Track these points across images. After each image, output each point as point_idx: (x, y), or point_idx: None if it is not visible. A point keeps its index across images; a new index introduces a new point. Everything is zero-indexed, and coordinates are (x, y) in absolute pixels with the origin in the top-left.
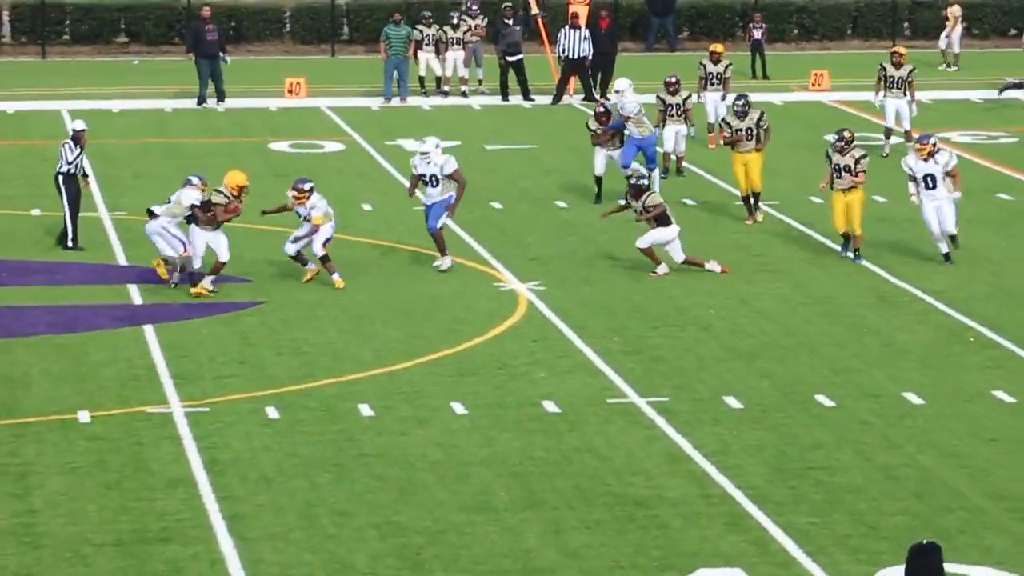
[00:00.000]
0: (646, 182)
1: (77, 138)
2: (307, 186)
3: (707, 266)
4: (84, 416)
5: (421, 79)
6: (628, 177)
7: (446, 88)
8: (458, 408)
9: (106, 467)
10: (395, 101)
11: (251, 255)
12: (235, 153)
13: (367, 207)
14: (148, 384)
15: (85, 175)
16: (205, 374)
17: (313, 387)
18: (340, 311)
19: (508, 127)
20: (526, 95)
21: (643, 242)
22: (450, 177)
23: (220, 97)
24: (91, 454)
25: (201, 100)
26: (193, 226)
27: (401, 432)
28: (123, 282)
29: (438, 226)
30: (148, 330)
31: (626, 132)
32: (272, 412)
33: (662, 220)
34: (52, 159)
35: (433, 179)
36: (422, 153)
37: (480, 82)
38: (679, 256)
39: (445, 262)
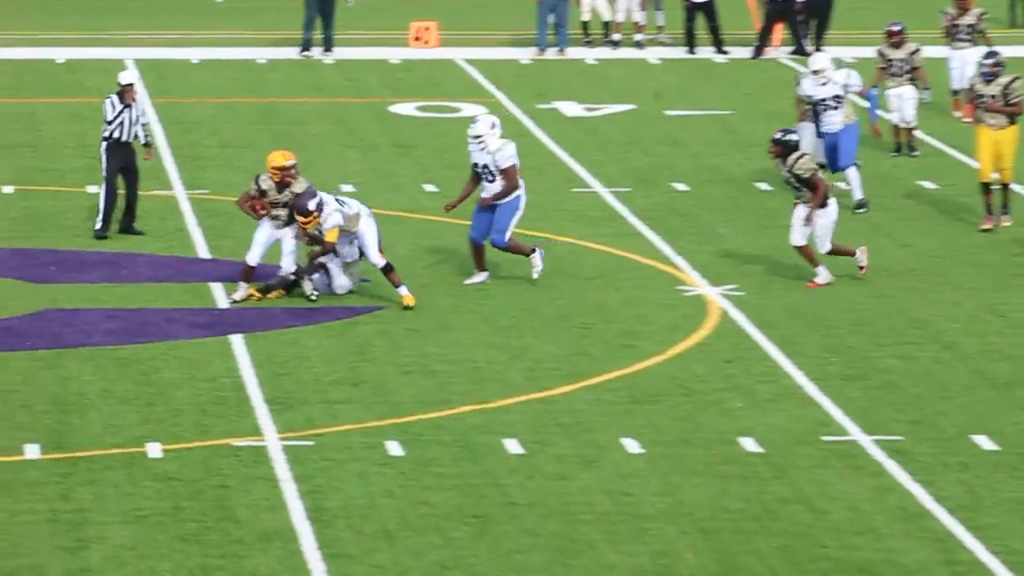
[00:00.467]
0: (796, 138)
1: (123, 94)
2: (313, 204)
3: (857, 255)
4: (154, 450)
5: (584, 24)
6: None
7: (616, 36)
8: (631, 445)
9: (182, 515)
10: (551, 52)
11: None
12: (345, 116)
13: None
14: (236, 410)
15: (147, 143)
16: (309, 398)
17: (447, 416)
18: (481, 320)
19: (695, 87)
20: (718, 46)
21: (821, 241)
22: (503, 173)
23: (328, 45)
24: (163, 498)
25: (305, 47)
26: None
27: (559, 475)
28: (204, 280)
29: (506, 239)
30: (236, 341)
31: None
32: (394, 447)
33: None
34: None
35: (487, 172)
36: (473, 137)
37: (660, 29)
38: (825, 246)
39: (537, 266)
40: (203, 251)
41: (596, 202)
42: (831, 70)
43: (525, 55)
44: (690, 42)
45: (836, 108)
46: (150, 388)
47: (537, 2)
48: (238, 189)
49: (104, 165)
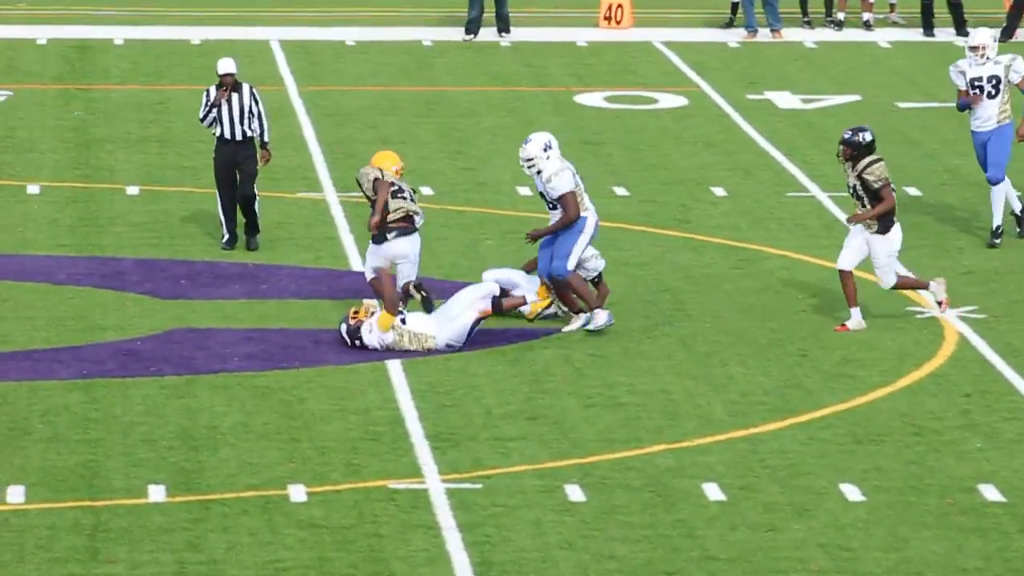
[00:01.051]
0: (869, 137)
1: (223, 85)
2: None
3: (932, 287)
4: (298, 493)
5: (802, 2)
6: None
7: (839, 15)
8: (852, 492)
9: (328, 568)
10: (763, 34)
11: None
12: (524, 108)
13: (719, 192)
14: (392, 447)
15: (263, 142)
16: (477, 434)
17: (636, 456)
18: (677, 344)
19: (932, 76)
20: (960, 28)
21: (883, 272)
22: (560, 201)
23: (503, 25)
24: (307, 548)
25: (471, 28)
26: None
27: (767, 526)
28: (357, 296)
29: (568, 268)
30: (394, 367)
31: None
32: (575, 492)
33: (885, 218)
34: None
35: (545, 200)
36: (525, 160)
37: (892, 7)
38: (889, 278)
39: (587, 321)
40: (356, 262)
41: (813, 208)
42: (992, 47)
43: (733, 37)
44: (927, 23)
45: (993, 97)
46: (293, 421)
47: None
48: None
49: (216, 171)
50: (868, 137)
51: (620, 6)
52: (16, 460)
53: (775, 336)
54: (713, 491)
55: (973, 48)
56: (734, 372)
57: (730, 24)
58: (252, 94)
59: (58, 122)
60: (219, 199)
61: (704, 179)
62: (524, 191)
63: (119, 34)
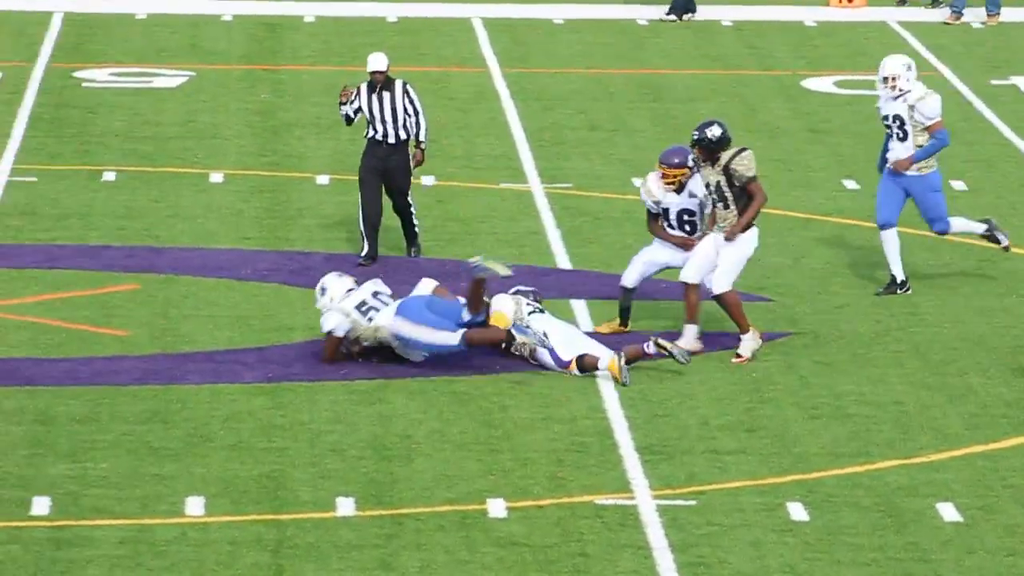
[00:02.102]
0: (719, 132)
1: (373, 84)
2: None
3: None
4: (497, 507)
5: None
6: None
7: None
8: None
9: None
10: (1007, 13)
11: (771, 255)
12: (746, 93)
13: (958, 185)
14: (600, 460)
15: (419, 142)
16: (692, 446)
17: (865, 472)
18: (912, 351)
19: None
20: None
21: (719, 277)
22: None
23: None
24: (506, 568)
25: (680, 7)
26: None
27: (1008, 550)
28: (563, 295)
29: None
30: (602, 374)
31: None
32: (798, 510)
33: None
34: (456, 94)
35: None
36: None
37: None
38: (721, 285)
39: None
40: (563, 260)
41: None
42: (905, 78)
43: (977, 17)
44: None
45: (903, 140)
46: (494, 431)
47: None
48: (609, 183)
49: (362, 177)
50: (717, 132)
51: None
52: (196, 470)
53: (1019, 343)
54: (949, 512)
55: (884, 79)
56: (973, 382)
57: (935, 3)
58: (405, 91)
59: (243, 105)
60: (361, 208)
61: (942, 171)
62: None
63: (310, 10)
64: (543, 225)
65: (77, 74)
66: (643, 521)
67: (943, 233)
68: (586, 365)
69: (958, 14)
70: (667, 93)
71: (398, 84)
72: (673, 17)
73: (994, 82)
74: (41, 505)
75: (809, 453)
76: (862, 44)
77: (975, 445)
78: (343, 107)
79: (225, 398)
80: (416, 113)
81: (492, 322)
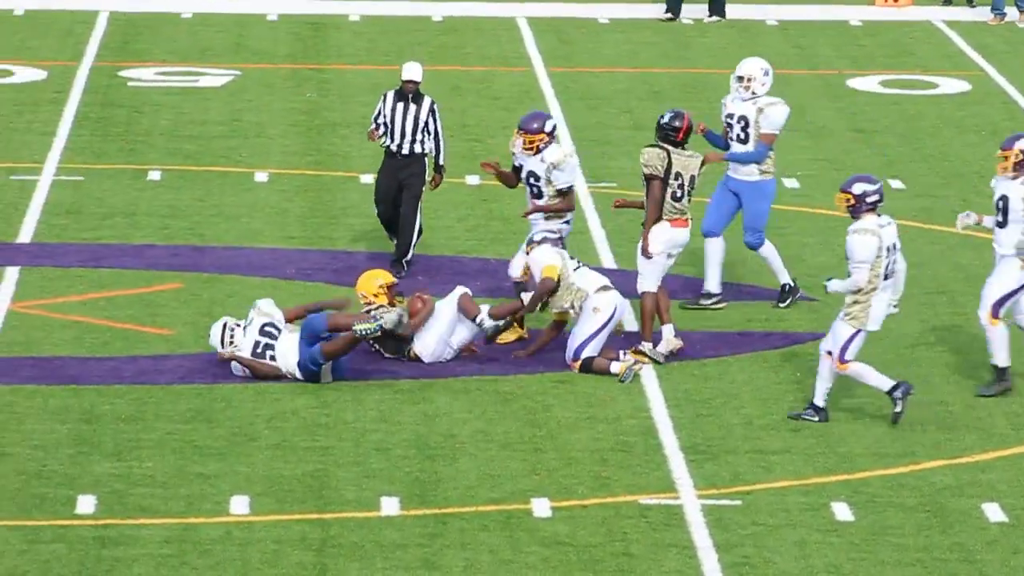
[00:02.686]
0: (677, 124)
1: (403, 92)
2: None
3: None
4: (542, 507)
5: None
6: None
7: None
8: None
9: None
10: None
11: (815, 256)
12: (792, 93)
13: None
14: (644, 460)
15: (437, 166)
16: (737, 446)
17: (910, 473)
18: (955, 351)
19: None
20: None
21: (643, 278)
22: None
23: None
24: (551, 568)
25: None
26: None
27: None
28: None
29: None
30: (646, 372)
31: None
32: (842, 511)
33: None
34: (499, 94)
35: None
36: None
37: None
38: (646, 284)
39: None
40: (607, 259)
41: None
42: (761, 81)
43: (1011, 17)
44: None
45: (743, 141)
46: (538, 430)
47: None
48: None
49: (376, 191)
50: (675, 123)
51: None
52: (241, 468)
53: None
54: (994, 512)
55: (739, 78)
56: (1018, 382)
57: (970, 3)
58: (432, 110)
59: (288, 105)
60: (379, 216)
61: (988, 172)
62: (790, 183)
63: (355, 9)
64: (588, 224)
65: (122, 73)
66: (687, 521)
67: (752, 247)
68: (592, 368)
69: (1001, 15)
70: (712, 93)
71: (426, 100)
72: (716, 18)
73: None
74: (86, 504)
75: (854, 453)
76: (908, 43)
77: (1021, 445)
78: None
79: (269, 397)
80: (436, 135)
81: (544, 274)
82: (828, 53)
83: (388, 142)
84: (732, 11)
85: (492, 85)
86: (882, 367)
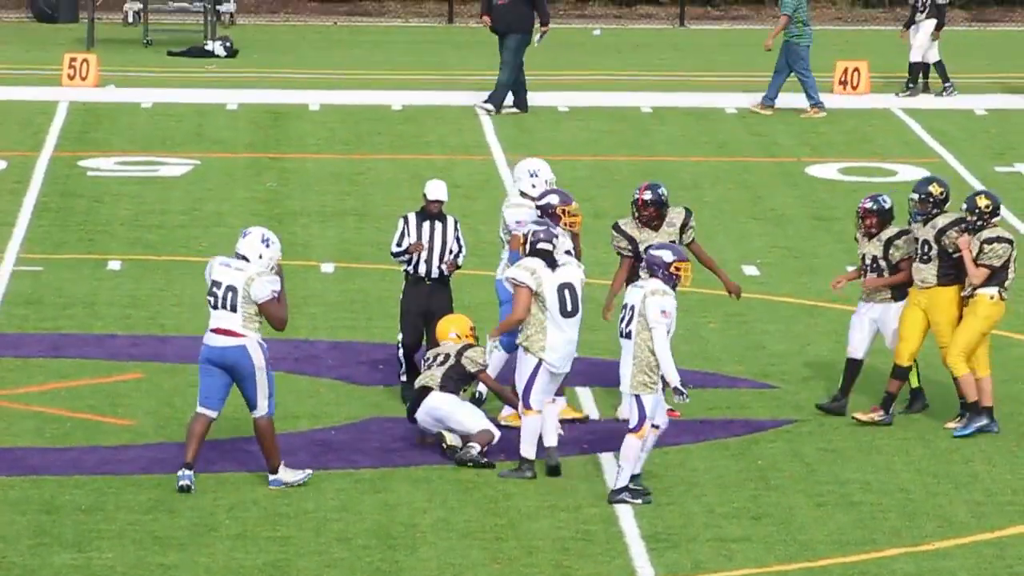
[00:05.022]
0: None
1: (424, 210)
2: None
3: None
4: None
5: None
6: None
7: None
8: None
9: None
10: (1009, 100)
11: (775, 344)
12: (751, 180)
13: None
14: (605, 546)
15: (456, 263)
16: (698, 534)
17: (872, 559)
18: (916, 438)
19: None
20: None
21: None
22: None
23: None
24: None
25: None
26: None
27: None
28: (571, 385)
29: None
30: (606, 460)
31: None
32: None
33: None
34: (461, 182)
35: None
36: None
37: None
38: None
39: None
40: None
41: None
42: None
43: (980, 104)
44: None
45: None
46: (499, 519)
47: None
48: (613, 272)
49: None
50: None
51: (857, 70)
52: (201, 559)
53: (1017, 428)
54: None
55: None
56: (978, 469)
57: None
58: (456, 227)
59: (249, 194)
60: (401, 347)
61: None
62: (750, 270)
63: (315, 99)
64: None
65: (82, 163)
66: None
67: None
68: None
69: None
70: (671, 180)
71: (451, 219)
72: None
73: (998, 169)
74: None
75: (815, 540)
76: (866, 131)
77: (981, 533)
78: (404, 255)
79: (230, 487)
80: (460, 250)
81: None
82: (787, 141)
83: (412, 268)
84: (694, 98)
85: (453, 173)
86: (842, 454)
